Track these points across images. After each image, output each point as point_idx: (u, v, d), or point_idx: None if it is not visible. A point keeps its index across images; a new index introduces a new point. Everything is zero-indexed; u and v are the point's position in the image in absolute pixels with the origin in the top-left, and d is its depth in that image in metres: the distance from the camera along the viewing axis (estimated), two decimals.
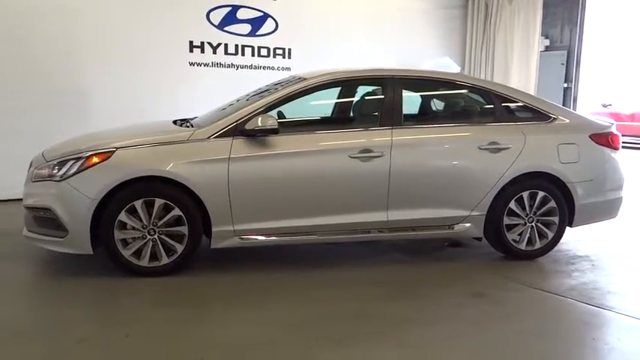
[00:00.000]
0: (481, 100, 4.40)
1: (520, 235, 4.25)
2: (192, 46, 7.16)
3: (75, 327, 2.98)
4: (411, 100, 4.32)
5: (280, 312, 3.24)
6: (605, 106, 15.73)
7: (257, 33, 7.70)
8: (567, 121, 4.38)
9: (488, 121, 4.29)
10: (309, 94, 3.99)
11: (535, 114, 4.35)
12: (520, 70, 9.28)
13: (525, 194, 4.19)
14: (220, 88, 6.86)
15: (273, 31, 7.81)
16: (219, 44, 7.37)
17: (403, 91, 4.12)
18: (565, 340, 2.99)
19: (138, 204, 3.59)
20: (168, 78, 6.95)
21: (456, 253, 4.53)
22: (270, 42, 7.81)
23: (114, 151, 3.61)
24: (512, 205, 4.18)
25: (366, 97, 4.34)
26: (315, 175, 3.84)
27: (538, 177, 4.23)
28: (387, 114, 4.04)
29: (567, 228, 4.39)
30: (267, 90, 4.28)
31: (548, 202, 4.24)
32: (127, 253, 3.64)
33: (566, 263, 4.28)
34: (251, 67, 7.68)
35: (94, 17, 6.38)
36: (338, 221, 3.92)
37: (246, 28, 7.59)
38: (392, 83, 4.10)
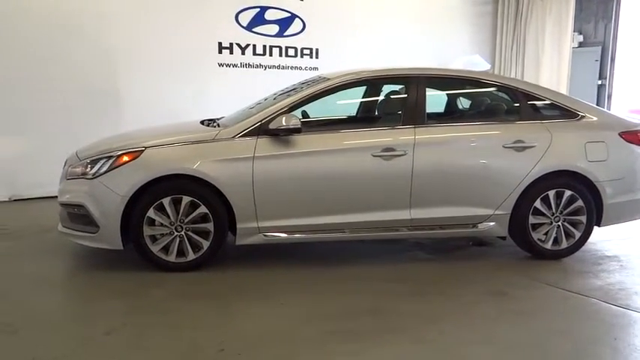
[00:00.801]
0: (506, 98, 4.37)
1: (546, 234, 4.20)
2: (221, 47, 7.31)
3: (104, 318, 3.11)
4: (434, 99, 4.32)
5: (299, 306, 3.32)
6: None
7: (285, 33, 7.80)
8: (595, 118, 4.31)
9: (513, 120, 4.25)
10: (333, 93, 4.05)
11: (562, 112, 4.29)
12: (551, 67, 9.11)
13: (551, 193, 4.14)
14: (249, 88, 6.97)
15: (301, 32, 7.90)
16: (247, 45, 7.51)
17: (426, 89, 4.13)
18: (584, 339, 2.95)
19: (166, 201, 3.72)
20: (197, 79, 7.11)
21: (480, 252, 4.51)
22: (297, 42, 7.91)
23: (143, 150, 3.75)
24: (538, 204, 4.14)
25: (389, 96, 4.37)
26: (337, 173, 3.89)
27: (565, 175, 4.17)
28: (410, 113, 4.06)
29: (596, 228, 4.32)
30: (292, 89, 4.35)
31: (576, 201, 4.18)
32: (155, 248, 3.77)
33: (593, 263, 4.21)
34: (279, 67, 7.79)
35: (126, 21, 6.60)
36: (361, 219, 3.96)
37: (274, 28, 7.70)
38: (415, 82, 4.11)
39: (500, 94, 4.40)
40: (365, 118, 4.62)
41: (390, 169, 3.93)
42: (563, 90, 9.00)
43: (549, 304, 3.42)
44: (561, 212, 4.19)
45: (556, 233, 4.21)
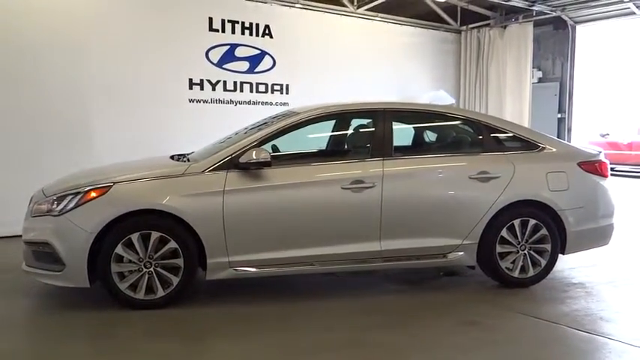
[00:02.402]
0: (470, 131, 4.52)
1: (513, 262, 4.29)
2: (191, 84, 7.38)
3: None
4: (401, 132, 4.43)
5: (272, 342, 3.27)
6: (603, 135, 15.85)
7: (255, 70, 7.93)
8: (555, 150, 4.48)
9: (477, 152, 4.39)
10: (302, 127, 4.12)
11: (523, 143, 4.46)
12: (514, 102, 9.48)
13: (517, 222, 4.25)
14: (220, 124, 6.99)
15: (271, 68, 8.05)
16: (218, 81, 7.59)
17: (393, 123, 4.25)
18: None
19: (134, 237, 3.67)
20: (169, 114, 7.13)
21: (450, 283, 4.56)
22: (268, 78, 8.05)
23: (111, 186, 3.72)
24: (504, 233, 4.24)
25: (358, 130, 4.46)
26: (308, 206, 3.92)
27: (529, 205, 4.30)
28: (378, 146, 4.16)
29: (561, 256, 4.44)
30: (262, 124, 4.40)
31: (540, 230, 4.30)
32: (123, 286, 3.69)
33: (560, 290, 4.30)
34: (250, 102, 7.89)
35: (97, 56, 6.61)
36: (331, 252, 3.98)
37: (245, 65, 7.82)
38: (382, 116, 4.23)
39: (464, 127, 4.55)
40: (334, 151, 4.70)
41: (360, 201, 3.99)
42: (526, 123, 9.34)
43: (520, 332, 3.46)
44: (527, 241, 4.29)
45: (523, 262, 4.30)
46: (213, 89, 7.56)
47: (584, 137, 15.09)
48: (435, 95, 9.43)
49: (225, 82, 7.65)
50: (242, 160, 3.84)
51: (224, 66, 7.63)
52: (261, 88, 8.00)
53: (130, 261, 3.69)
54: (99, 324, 3.55)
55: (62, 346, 3.23)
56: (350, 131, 4.59)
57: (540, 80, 10.49)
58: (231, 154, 3.90)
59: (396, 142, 4.25)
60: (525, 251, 4.30)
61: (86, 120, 6.49)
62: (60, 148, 6.27)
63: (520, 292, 4.23)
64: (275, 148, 4.40)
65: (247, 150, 3.87)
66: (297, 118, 4.11)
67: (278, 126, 4.07)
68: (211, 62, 7.51)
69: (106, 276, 3.67)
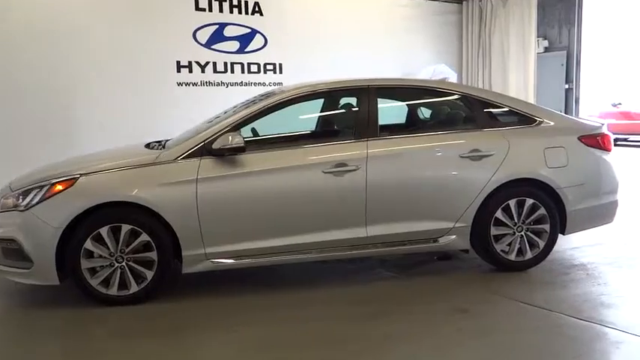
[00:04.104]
0: (462, 106, 4.24)
1: (509, 245, 4.05)
2: (179, 66, 7.12)
3: None
4: (388, 111, 4.18)
5: (251, 336, 3.10)
6: (614, 105, 15.35)
7: (246, 50, 7.64)
8: (554, 123, 4.19)
9: (469, 128, 4.11)
10: (279, 109, 3.87)
11: (519, 118, 4.18)
12: (518, 73, 9.08)
13: (512, 202, 4.00)
14: (211, 107, 6.72)
15: (263, 47, 7.75)
16: (207, 63, 7.32)
17: (379, 101, 3.99)
18: (547, 356, 2.78)
19: (104, 231, 3.49)
20: (156, 99, 6.90)
21: (444, 267, 4.33)
22: (260, 58, 7.75)
23: (78, 178, 3.52)
24: (499, 214, 3.99)
25: (340, 110, 4.21)
26: (287, 192, 3.70)
27: (525, 184, 4.04)
28: (362, 126, 3.91)
29: (561, 236, 4.18)
30: (242, 106, 4.16)
31: (538, 210, 4.04)
32: (94, 282, 3.53)
33: (560, 273, 4.06)
34: (241, 84, 7.62)
35: (81, 40, 6.37)
36: (314, 239, 3.77)
37: (235, 45, 7.53)
38: (366, 93, 3.96)
39: (455, 102, 4.26)
40: (315, 133, 4.46)
41: (343, 186, 3.76)
42: (531, 95, 8.97)
43: (512, 321, 3.24)
44: (524, 222, 4.04)
45: (519, 244, 4.06)
46: (203, 71, 7.30)
47: (594, 108, 14.65)
48: (436, 69, 9.06)
49: (214, 64, 7.38)
50: (215, 146, 3.62)
51: (213, 46, 7.35)
52: (253, 68, 7.72)
53: (101, 256, 3.52)
54: (70, 323, 3.39)
55: (30, 347, 3.08)
56: (332, 111, 4.33)
57: (546, 50, 10.05)
58: (204, 140, 3.68)
59: (383, 121, 3.99)
60: (522, 233, 4.05)
61: (68, 109, 6.29)
62: (42, 138, 6.08)
63: (517, 276, 4.00)
64: (255, 132, 4.18)
65: (220, 135, 3.65)
66: (272, 100, 3.86)
67: (252, 109, 3.83)
68: (199, 43, 7.23)
69: (76, 272, 3.50)
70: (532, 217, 4.05)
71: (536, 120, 4.17)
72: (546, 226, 4.07)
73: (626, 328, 3.02)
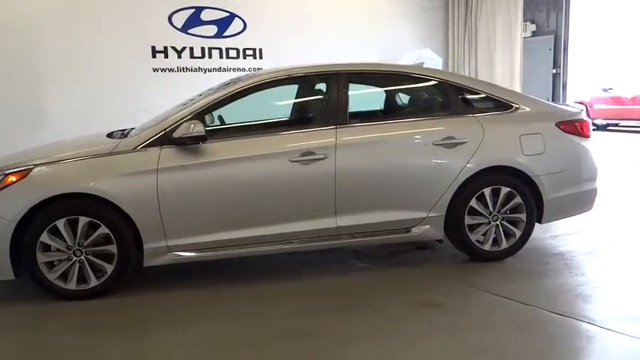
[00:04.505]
0: (435, 92, 4.10)
1: (484, 235, 3.94)
2: (155, 52, 6.94)
3: None
4: (359, 97, 4.03)
5: (206, 331, 2.99)
6: (605, 90, 15.23)
7: (224, 34, 7.46)
8: (530, 109, 4.06)
9: (443, 115, 3.98)
10: (244, 96, 3.71)
11: (495, 104, 4.04)
12: (504, 58, 8.95)
13: (487, 191, 3.88)
14: (188, 93, 6.56)
15: (242, 31, 7.57)
16: (184, 48, 7.15)
17: (350, 87, 3.84)
18: (520, 355, 2.68)
19: (60, 223, 3.34)
20: (131, 86, 6.73)
21: (419, 258, 4.22)
22: (239, 43, 7.58)
23: (32, 169, 3.37)
24: (474, 203, 3.87)
25: (308, 96, 4.06)
26: (253, 182, 3.57)
27: (500, 172, 3.92)
28: (332, 113, 3.76)
29: (538, 225, 4.08)
30: (207, 94, 4.00)
31: (514, 199, 3.93)
32: (52, 276, 3.39)
33: (537, 263, 3.96)
34: (220, 69, 7.44)
35: (52, 27, 6.18)
36: (281, 230, 3.64)
37: (212, 29, 7.35)
38: (336, 79, 3.81)
39: (429, 88, 4.12)
40: (284, 121, 4.30)
41: (311, 175, 3.62)
42: (517, 80, 8.85)
43: (484, 315, 3.13)
44: (499, 211, 3.93)
45: (495, 233, 3.95)
46: (179, 56, 7.13)
47: (584, 93, 14.53)
48: (420, 54, 8.90)
49: (191, 49, 7.21)
50: (176, 134, 3.46)
51: (189, 31, 7.17)
52: (232, 53, 7.54)
53: (58, 249, 3.38)
54: (26, 318, 3.27)
55: None
56: (300, 98, 4.18)
57: (534, 34, 9.92)
58: (164, 129, 3.52)
59: (353, 108, 3.84)
60: (497, 222, 3.94)
61: (40, 96, 6.12)
62: (10, 130, 5.90)
63: (492, 266, 3.89)
64: (221, 120, 4.03)
65: (181, 123, 3.49)
66: (237, 86, 3.71)
67: (213, 97, 3.67)
68: (175, 27, 7.05)
69: (32, 267, 3.36)
70: (508, 206, 3.94)
71: (512, 106, 4.03)
72: (522, 215, 3.96)
73: (602, 323, 2.91)
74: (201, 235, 3.54)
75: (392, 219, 3.79)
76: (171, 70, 7.06)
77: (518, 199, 3.93)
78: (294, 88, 4.30)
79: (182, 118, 3.54)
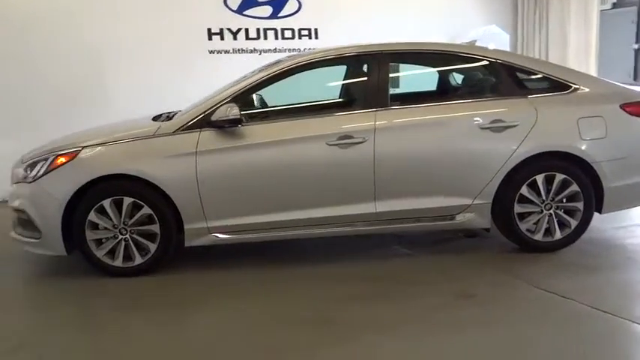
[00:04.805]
0: (483, 72, 3.86)
1: (536, 224, 3.70)
2: (210, 34, 7.01)
3: (37, 332, 2.92)
4: (402, 79, 3.87)
5: (238, 313, 3.02)
6: None
7: (279, 15, 7.40)
8: (591, 90, 3.73)
9: (491, 97, 3.74)
10: (283, 78, 3.66)
11: (550, 84, 3.75)
12: (578, 33, 8.28)
13: (540, 178, 3.64)
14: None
15: (297, 11, 7.48)
16: (239, 29, 7.17)
17: (392, 68, 3.70)
18: (546, 354, 2.49)
19: (106, 203, 3.49)
20: (187, 68, 6.85)
21: (466, 246, 4.05)
22: (294, 23, 7.49)
23: (80, 150, 3.53)
24: (525, 190, 3.64)
25: (349, 78, 3.94)
26: (290, 166, 3.54)
27: (555, 157, 3.65)
28: (371, 95, 3.64)
29: (601, 216, 3.78)
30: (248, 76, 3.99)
31: (570, 186, 3.66)
32: (100, 253, 3.56)
33: (594, 256, 3.68)
34: (275, 50, 7.41)
35: (109, 13, 6.40)
36: (319, 214, 3.60)
37: (267, 10, 7.31)
38: (377, 60, 3.68)
39: (478, 68, 3.87)
40: (325, 103, 4.21)
41: (348, 159, 3.54)
42: (592, 57, 8.19)
43: (521, 309, 2.95)
44: (553, 199, 3.67)
45: (548, 223, 3.70)
46: (235, 38, 7.16)
47: None
48: (486, 31, 8.44)
49: (247, 30, 7.21)
50: (214, 118, 3.49)
51: (245, 12, 7.17)
52: (287, 34, 7.48)
53: (105, 228, 3.54)
54: (74, 293, 3.44)
55: (36, 315, 3.17)
56: (342, 80, 4.07)
57: (614, 5, 9.09)
58: (203, 112, 3.56)
59: (395, 90, 3.71)
60: (551, 211, 3.69)
61: (100, 79, 6.38)
62: (77, 113, 6.18)
63: (542, 258, 3.66)
64: (263, 102, 4.02)
65: (220, 106, 3.51)
66: (276, 68, 3.67)
67: (253, 79, 3.65)
68: (230, 9, 7.07)
69: (82, 244, 3.54)
70: (563, 194, 3.67)
71: (570, 86, 3.72)
72: (579, 204, 3.68)
73: None
74: (239, 217, 3.57)
75: (434, 205, 3.64)
76: (226, 51, 7.13)
77: (574, 187, 3.66)
78: (338, 69, 4.20)
79: (221, 101, 3.56)
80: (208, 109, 3.55)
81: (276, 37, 7.42)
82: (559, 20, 8.52)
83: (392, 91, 3.67)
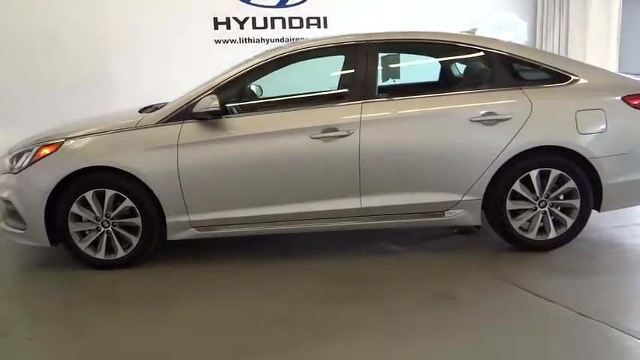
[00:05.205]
0: (477, 62, 3.69)
1: (530, 222, 3.55)
2: (216, 23, 6.98)
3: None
4: (391, 70, 3.73)
5: (202, 312, 2.96)
6: None
7: (287, 3, 7.32)
8: (591, 81, 3.53)
9: (484, 88, 3.58)
10: (268, 70, 3.59)
11: (547, 75, 3.57)
12: (600, 17, 7.94)
13: (534, 173, 3.47)
14: None
15: (305, 0, 7.37)
16: (246, 18, 7.12)
17: (380, 58, 3.58)
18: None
19: (89, 195, 3.48)
20: (193, 58, 6.84)
21: (458, 243, 3.91)
22: (302, 11, 7.41)
23: (63, 142, 3.52)
24: (517, 186, 3.49)
25: (336, 70, 3.83)
26: (272, 159, 3.46)
27: (550, 152, 3.48)
28: (358, 86, 3.53)
29: (602, 214, 3.61)
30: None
31: (566, 183, 3.48)
32: (83, 245, 3.55)
33: (588, 257, 3.50)
34: (283, 39, 7.34)
35: (114, 2, 6.42)
36: (304, 209, 3.52)
37: None
38: (364, 51, 3.55)
39: (469, 58, 3.71)
40: (311, 95, 4.09)
41: (333, 153, 3.44)
42: (614, 42, 7.85)
43: (504, 313, 2.81)
44: (547, 196, 3.51)
45: (542, 221, 3.54)
46: (242, 27, 7.12)
47: None
48: (502, 19, 8.18)
49: (254, 19, 7.16)
50: (195, 109, 3.44)
51: (252, 1, 7.11)
52: (295, 22, 7.39)
53: (89, 220, 3.53)
54: (56, 285, 3.46)
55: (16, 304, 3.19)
56: (327, 71, 3.95)
57: None
58: (186, 104, 3.51)
59: (383, 82, 3.58)
60: (546, 208, 3.52)
61: (104, 69, 6.41)
62: (80, 103, 6.25)
63: (534, 257, 3.50)
64: (254, 94, 3.95)
65: (202, 98, 3.45)
66: (260, 59, 3.58)
67: (237, 70, 3.58)
68: None
69: (65, 236, 3.55)
70: (558, 191, 3.50)
71: (569, 77, 3.53)
72: (576, 202, 3.51)
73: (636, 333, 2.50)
74: (221, 211, 3.52)
75: (421, 201, 3.52)
76: (233, 41, 7.09)
77: (571, 184, 3.48)
78: (331, 60, 4.08)
79: (203, 93, 3.50)
80: (191, 101, 3.49)
81: (284, 26, 7.34)
82: (581, 5, 8.18)
83: (391, 82, 3.53)
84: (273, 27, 7.27)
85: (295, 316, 2.86)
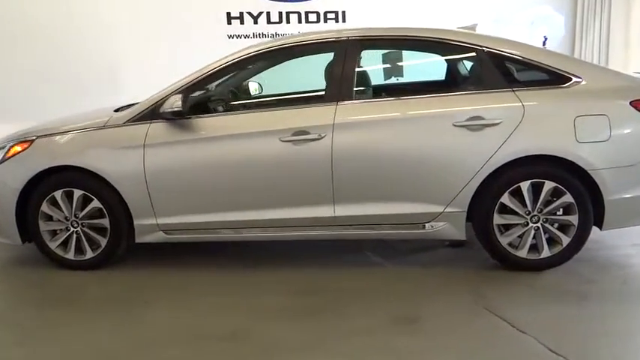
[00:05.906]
0: (468, 62, 3.38)
1: (520, 237, 3.22)
2: (230, 18, 6.87)
3: None
4: (372, 70, 3.47)
5: (154, 321, 2.84)
6: None
7: None
8: (595, 83, 3.15)
9: (472, 89, 3.27)
10: (240, 68, 3.44)
11: (544, 76, 3.20)
12: None
13: (524, 185, 3.14)
14: None
15: None
16: (260, 13, 6.97)
17: (361, 57, 3.33)
18: None
19: (58, 195, 3.43)
20: (205, 54, 6.62)
21: (444, 258, 3.60)
22: (319, 6, 7.19)
23: (34, 140, 3.48)
24: (506, 199, 3.16)
25: (315, 68, 3.59)
26: (239, 162, 3.29)
27: (544, 162, 3.13)
28: (334, 86, 3.29)
29: (599, 232, 3.22)
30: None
31: (562, 196, 3.13)
32: (53, 245, 3.51)
33: (586, 280, 3.13)
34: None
35: None
36: (274, 216, 3.33)
37: None
38: (342, 49, 3.31)
39: (458, 57, 3.40)
40: (286, 96, 3.89)
41: (304, 157, 3.23)
42: None
43: (463, 341, 2.51)
44: (541, 210, 3.16)
45: (534, 238, 3.20)
46: (255, 22, 6.97)
47: None
48: (538, 13, 7.69)
49: (268, 14, 7.00)
50: (161, 109, 3.31)
51: None
52: (312, 17, 7.18)
53: (58, 220, 3.48)
54: (23, 284, 3.44)
55: None
56: (302, 71, 3.72)
57: None
58: (154, 103, 3.39)
59: (361, 83, 3.34)
60: (539, 224, 3.18)
61: (115, 64, 6.42)
62: (89, 97, 6.27)
63: (524, 278, 3.16)
64: (234, 94, 3.79)
65: (169, 97, 3.32)
66: (230, 58, 3.41)
67: (208, 69, 3.42)
68: None
69: (35, 234, 3.51)
70: (553, 206, 3.16)
71: (570, 78, 3.16)
72: (573, 218, 3.14)
73: None
74: (189, 215, 3.39)
75: (399, 212, 3.25)
76: (246, 36, 6.96)
77: (567, 198, 3.13)
78: (317, 58, 3.85)
79: (172, 92, 3.37)
80: (159, 100, 3.37)
81: (300, 21, 7.15)
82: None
83: (389, 81, 3.28)
84: (288, 22, 7.09)
85: (246, 332, 2.67)
